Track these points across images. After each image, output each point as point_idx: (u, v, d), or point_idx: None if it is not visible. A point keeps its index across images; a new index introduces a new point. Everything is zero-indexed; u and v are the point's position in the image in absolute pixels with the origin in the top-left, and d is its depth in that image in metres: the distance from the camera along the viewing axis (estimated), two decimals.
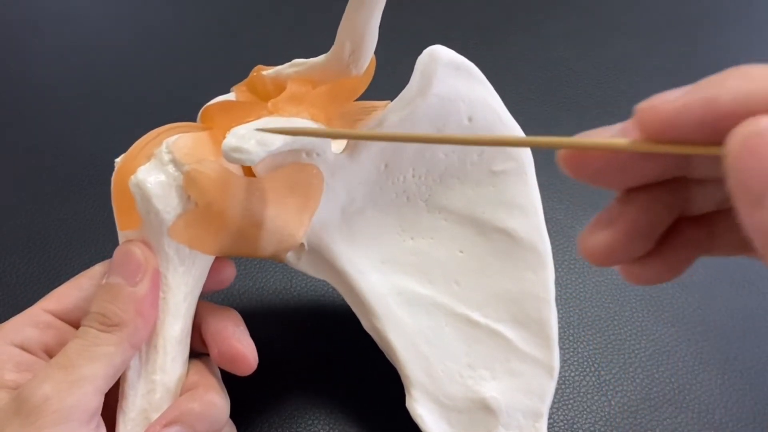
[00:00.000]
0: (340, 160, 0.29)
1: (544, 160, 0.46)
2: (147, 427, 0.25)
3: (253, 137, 0.25)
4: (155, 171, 0.26)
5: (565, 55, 0.56)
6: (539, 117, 0.50)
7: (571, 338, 0.37)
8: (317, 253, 0.30)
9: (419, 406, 0.29)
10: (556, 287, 0.31)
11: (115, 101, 0.53)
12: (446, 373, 0.30)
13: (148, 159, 0.26)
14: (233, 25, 0.62)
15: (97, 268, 0.29)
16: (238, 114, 0.27)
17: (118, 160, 0.28)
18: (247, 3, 0.64)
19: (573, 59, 0.55)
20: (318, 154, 0.28)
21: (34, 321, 0.27)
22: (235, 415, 0.29)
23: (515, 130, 0.31)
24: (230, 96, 0.30)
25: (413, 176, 0.31)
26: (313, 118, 0.27)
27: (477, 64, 0.30)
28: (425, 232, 0.32)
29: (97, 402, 0.24)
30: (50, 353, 0.27)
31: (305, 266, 0.30)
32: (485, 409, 0.29)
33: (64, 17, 0.62)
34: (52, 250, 0.42)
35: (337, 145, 0.29)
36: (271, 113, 0.27)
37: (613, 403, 0.34)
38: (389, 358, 0.31)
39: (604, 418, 0.33)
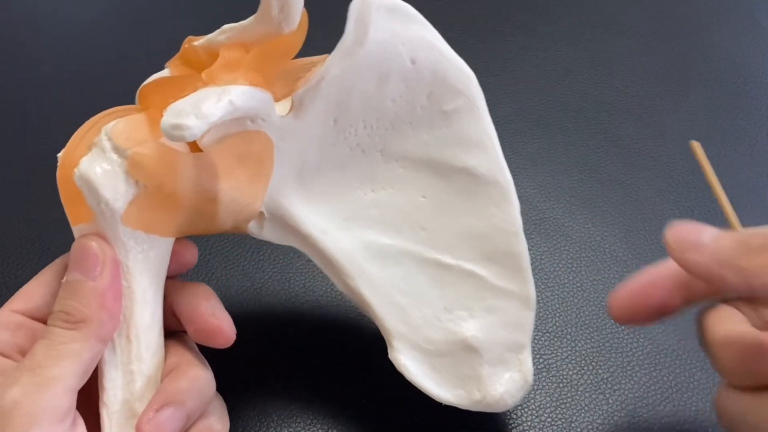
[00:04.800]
0: (287, 122, 0.28)
1: (543, 159, 0.46)
2: (140, 416, 0.25)
3: (191, 111, 0.24)
4: (98, 160, 0.25)
5: (562, 54, 0.55)
6: (536, 116, 0.49)
7: (569, 336, 0.36)
8: (279, 219, 0.30)
9: (402, 356, 0.29)
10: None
11: (114, 101, 0.51)
12: (424, 320, 0.30)
13: (89, 149, 0.26)
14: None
15: (59, 261, 0.28)
16: (174, 89, 0.26)
17: (59, 155, 0.27)
18: (244, 2, 0.62)
19: (569, 58, 0.54)
20: (263, 120, 0.27)
21: (4, 324, 0.26)
22: (233, 415, 0.29)
23: (459, 63, 0.30)
24: (165, 72, 0.29)
25: (364, 128, 0.30)
26: (252, 83, 0.26)
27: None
28: (385, 183, 0.31)
29: (69, 401, 0.24)
30: (25, 354, 0.26)
31: (269, 235, 0.30)
32: (467, 348, 0.29)
33: (62, 16, 0.60)
34: (51, 250, 0.41)
35: (282, 107, 0.29)
36: (206, 84, 0.26)
37: (611, 401, 0.34)
38: (367, 314, 0.31)
39: (602, 417, 0.33)
